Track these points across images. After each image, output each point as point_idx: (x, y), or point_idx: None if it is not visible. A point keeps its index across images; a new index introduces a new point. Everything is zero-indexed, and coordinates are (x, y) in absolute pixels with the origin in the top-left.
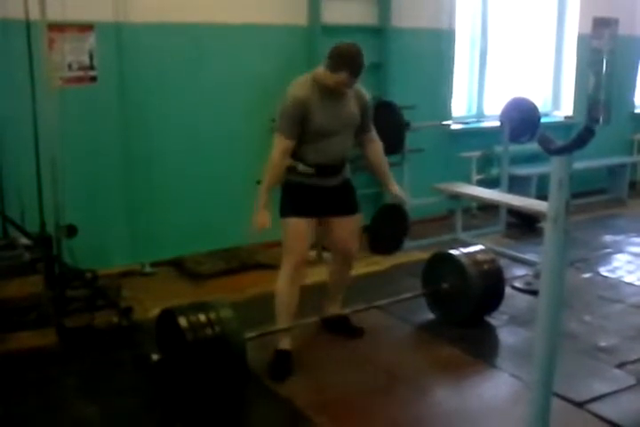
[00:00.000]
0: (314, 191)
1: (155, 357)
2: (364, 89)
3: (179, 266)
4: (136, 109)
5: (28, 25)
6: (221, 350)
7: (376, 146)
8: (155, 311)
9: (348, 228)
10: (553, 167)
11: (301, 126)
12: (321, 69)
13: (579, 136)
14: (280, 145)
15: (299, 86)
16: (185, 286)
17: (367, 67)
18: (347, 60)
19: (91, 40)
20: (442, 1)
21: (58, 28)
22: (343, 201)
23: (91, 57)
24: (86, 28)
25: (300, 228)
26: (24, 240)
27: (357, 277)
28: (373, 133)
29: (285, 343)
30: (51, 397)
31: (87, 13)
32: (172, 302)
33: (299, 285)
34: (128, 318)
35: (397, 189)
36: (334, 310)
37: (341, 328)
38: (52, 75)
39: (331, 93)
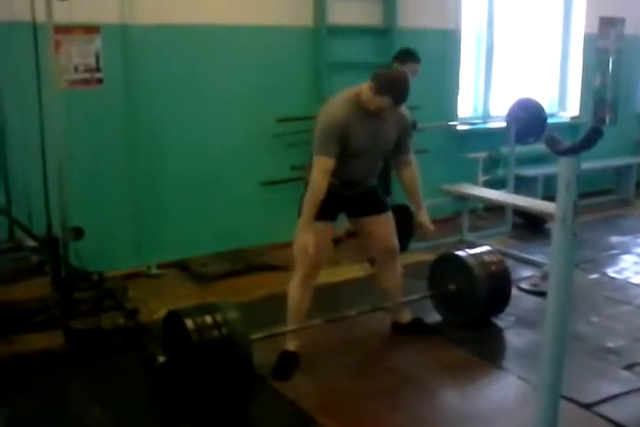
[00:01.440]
0: (335, 197)
1: (161, 358)
2: (407, 111)
3: (185, 268)
4: (142, 111)
5: (34, 27)
6: (227, 352)
7: (412, 171)
8: (161, 313)
9: (383, 225)
10: (560, 168)
11: (340, 145)
12: (365, 89)
13: (587, 136)
14: (321, 165)
15: (340, 105)
16: (191, 288)
17: (373, 68)
18: (393, 87)
19: (97, 42)
20: (448, 1)
21: (64, 30)
22: (369, 202)
23: (97, 59)
24: (93, 29)
25: (315, 229)
26: (31, 242)
27: (364, 279)
28: (411, 156)
29: (292, 345)
30: (57, 399)
31: (93, 15)
32: (178, 304)
33: (311, 288)
34: (134, 319)
35: (426, 219)
36: (406, 316)
37: (417, 330)
38: (58, 77)
39: (372, 114)
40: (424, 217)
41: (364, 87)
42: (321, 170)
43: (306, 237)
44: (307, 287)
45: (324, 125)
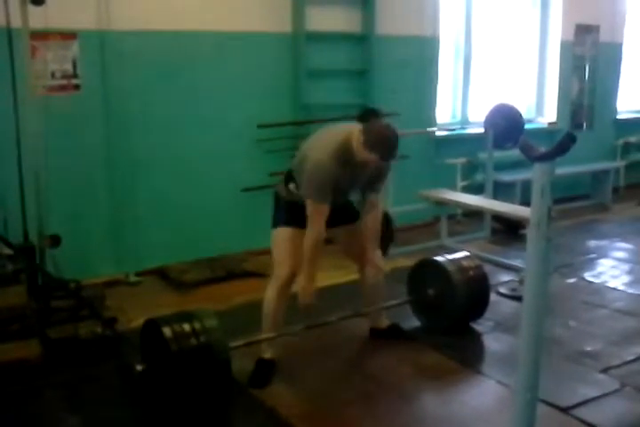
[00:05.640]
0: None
1: (139, 367)
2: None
3: (164, 275)
4: (120, 118)
5: (9, 32)
6: (206, 360)
7: (377, 213)
8: (139, 321)
9: (359, 233)
10: (535, 174)
11: None
12: (355, 138)
13: (560, 143)
14: (321, 212)
15: (331, 156)
16: (170, 296)
17: (351, 74)
18: (382, 144)
19: (74, 48)
20: (426, 8)
21: (40, 35)
22: (343, 212)
23: (74, 65)
24: (69, 36)
25: (290, 237)
26: (6, 250)
27: (343, 285)
28: (379, 197)
29: (268, 352)
30: (34, 409)
31: (70, 21)
32: (156, 312)
33: (287, 296)
34: (112, 328)
35: (377, 258)
36: (384, 321)
37: (394, 335)
38: (34, 83)
39: (359, 161)
40: (375, 255)
41: (355, 135)
42: (321, 216)
43: (304, 290)
44: (283, 295)
45: (316, 176)
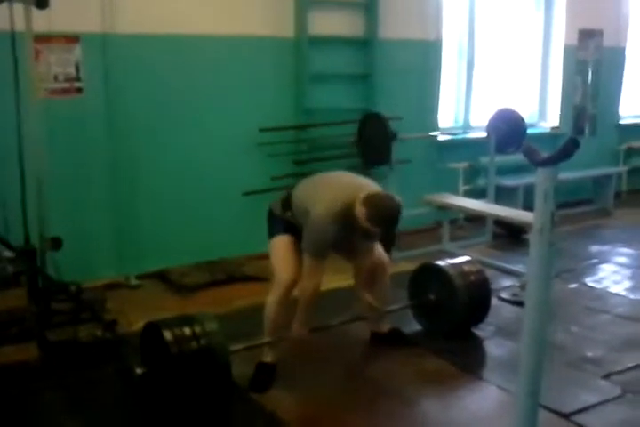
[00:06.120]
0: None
1: (139, 370)
2: None
3: (164, 278)
4: (122, 121)
5: (13, 36)
6: (206, 364)
7: (372, 257)
8: (139, 324)
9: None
10: (538, 179)
11: None
12: (359, 208)
13: (564, 148)
14: (318, 267)
15: (332, 216)
16: (170, 299)
17: (353, 78)
18: (386, 221)
19: (77, 51)
20: (428, 12)
21: (44, 39)
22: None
23: (77, 68)
24: (72, 39)
25: (288, 244)
26: (7, 253)
27: (344, 289)
28: (374, 247)
29: (269, 356)
30: (34, 412)
31: (73, 24)
32: (157, 315)
33: (289, 302)
34: (112, 331)
35: (369, 299)
36: (385, 326)
37: (395, 340)
38: (37, 86)
39: (359, 226)
40: (369, 297)
41: (357, 204)
42: (319, 271)
43: (297, 332)
44: (285, 302)
45: (317, 236)
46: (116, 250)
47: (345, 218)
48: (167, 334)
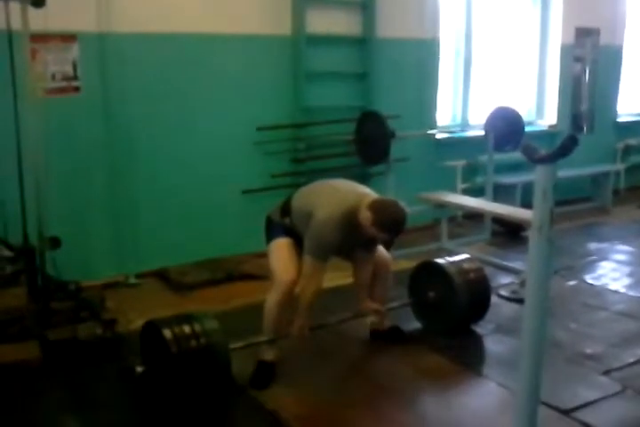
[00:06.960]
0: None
1: (139, 369)
2: None
3: (164, 277)
4: (120, 119)
5: (9, 35)
6: (206, 362)
7: (369, 269)
8: (139, 323)
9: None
10: (537, 176)
11: None
12: (364, 214)
13: (562, 145)
14: (319, 270)
15: (336, 221)
16: (170, 297)
17: (351, 76)
18: (392, 227)
19: (74, 50)
20: (426, 11)
21: (40, 38)
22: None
23: (74, 67)
24: (69, 38)
25: (287, 246)
26: (6, 252)
27: (344, 287)
28: (372, 255)
29: (269, 354)
30: (34, 411)
31: (70, 23)
32: (156, 314)
33: (289, 302)
34: (112, 330)
35: (372, 306)
36: (385, 323)
37: (395, 337)
38: (34, 85)
39: (362, 232)
40: (369, 304)
41: (362, 210)
42: (320, 273)
43: (297, 329)
44: (285, 301)
45: (320, 240)
46: (115, 249)
47: (349, 222)
48: (167, 333)
